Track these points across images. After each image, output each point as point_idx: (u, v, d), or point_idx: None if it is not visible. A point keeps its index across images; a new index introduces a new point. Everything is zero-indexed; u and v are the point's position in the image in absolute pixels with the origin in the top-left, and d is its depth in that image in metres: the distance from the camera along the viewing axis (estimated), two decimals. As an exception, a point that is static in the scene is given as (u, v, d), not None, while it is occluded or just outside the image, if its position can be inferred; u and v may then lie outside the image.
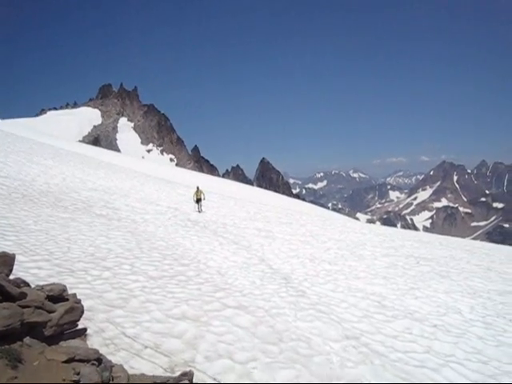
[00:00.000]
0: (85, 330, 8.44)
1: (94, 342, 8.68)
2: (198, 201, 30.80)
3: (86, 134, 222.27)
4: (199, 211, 30.03)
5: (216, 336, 10.08)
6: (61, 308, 7.37)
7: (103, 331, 9.25)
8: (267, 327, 11.10)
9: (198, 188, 31.90)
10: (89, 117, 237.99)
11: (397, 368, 9.94)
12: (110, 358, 7.42)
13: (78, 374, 5.78)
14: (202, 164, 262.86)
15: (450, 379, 9.72)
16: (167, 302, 11.50)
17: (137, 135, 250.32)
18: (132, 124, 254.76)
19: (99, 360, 6.32)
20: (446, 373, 9.99)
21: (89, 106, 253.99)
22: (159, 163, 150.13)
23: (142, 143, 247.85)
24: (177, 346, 9.33)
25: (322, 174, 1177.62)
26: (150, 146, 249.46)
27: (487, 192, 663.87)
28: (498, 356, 11.10)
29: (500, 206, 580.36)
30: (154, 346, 9.12)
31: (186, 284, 13.39)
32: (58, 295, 7.50)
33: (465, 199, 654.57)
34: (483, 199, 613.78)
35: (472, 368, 10.34)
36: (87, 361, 6.17)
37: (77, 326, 7.93)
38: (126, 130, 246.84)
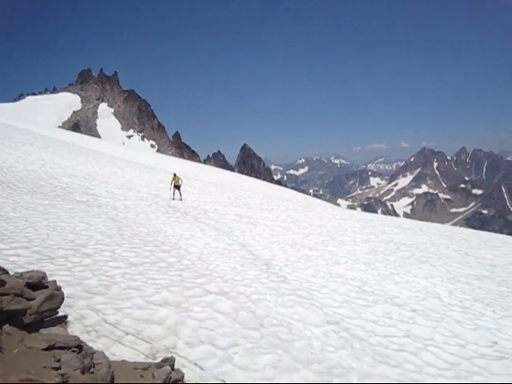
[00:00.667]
0: (65, 317, 8.41)
1: (74, 329, 8.67)
2: (176, 188, 29.26)
3: (66, 119, 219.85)
4: (180, 199, 28.94)
5: (197, 322, 10.12)
6: (40, 295, 7.33)
7: (84, 318, 9.24)
8: (248, 313, 11.16)
9: (174, 175, 29.86)
10: (68, 102, 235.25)
11: (376, 352, 10.07)
12: (91, 344, 7.41)
13: (59, 361, 5.77)
14: (183, 150, 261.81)
15: (429, 362, 9.88)
16: (148, 289, 11.50)
17: (117, 121, 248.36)
18: (112, 110, 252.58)
19: (80, 347, 6.30)
20: (424, 356, 10.15)
21: (68, 91, 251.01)
22: (140, 149, 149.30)
23: (122, 129, 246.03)
24: (158, 332, 9.36)
25: (303, 160, 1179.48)
26: (131, 131, 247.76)
27: (466, 178, 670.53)
28: (476, 339, 11.29)
29: (479, 192, 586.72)
30: (135, 332, 9.14)
31: (167, 270, 13.39)
32: (37, 282, 7.45)
33: (444, 186, 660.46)
34: (462, 186, 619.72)
35: (450, 351, 10.50)
36: (68, 348, 6.15)
37: (57, 313, 7.90)
38: (106, 116, 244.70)
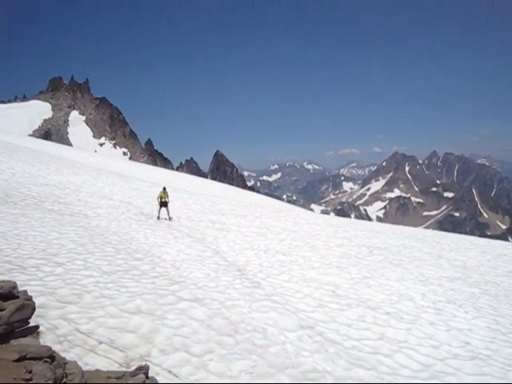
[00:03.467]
0: (37, 327, 8.34)
1: (46, 339, 8.60)
2: (163, 205, 25.12)
3: (37, 127, 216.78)
4: (168, 218, 25.03)
5: (171, 329, 10.12)
6: (11, 306, 7.26)
7: (56, 328, 9.17)
8: (223, 319, 11.18)
9: (164, 189, 25.82)
10: (39, 110, 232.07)
11: (351, 355, 10.17)
12: (63, 354, 7.37)
13: (31, 372, 5.73)
14: (155, 157, 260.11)
15: (403, 364, 10.03)
16: (121, 297, 11.45)
17: (89, 129, 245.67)
18: (84, 117, 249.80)
19: (52, 357, 6.26)
20: (398, 358, 10.30)
21: (39, 99, 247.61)
22: (112, 157, 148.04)
23: (94, 137, 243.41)
24: (132, 340, 9.33)
25: (276, 166, 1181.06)
26: (103, 139, 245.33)
27: (438, 182, 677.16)
28: (449, 340, 11.49)
29: (450, 195, 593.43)
30: (108, 341, 9.10)
31: (140, 278, 13.34)
32: (7, 293, 7.37)
33: (416, 189, 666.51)
34: (434, 189, 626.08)
35: (424, 353, 10.67)
36: (39, 358, 6.11)
37: (28, 323, 7.83)
38: (77, 124, 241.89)
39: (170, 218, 25.21)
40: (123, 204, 27.54)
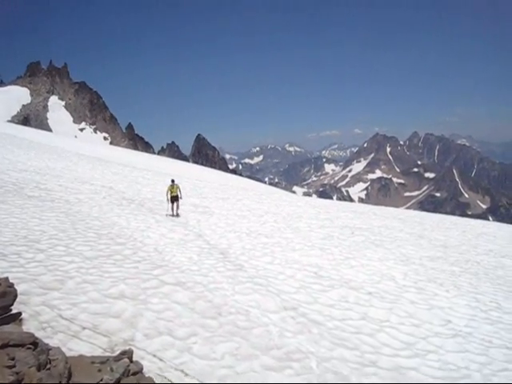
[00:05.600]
0: (19, 314, 8.32)
1: (29, 326, 8.57)
2: (174, 200, 22.97)
3: (15, 113, 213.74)
4: (175, 215, 22.98)
5: (155, 313, 10.14)
6: (-8, 293, 7.22)
7: (39, 314, 9.13)
8: (206, 302, 11.23)
9: (173, 182, 23.43)
10: (17, 96, 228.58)
11: (334, 335, 10.28)
12: (46, 341, 7.36)
13: (13, 359, 5.72)
14: (136, 142, 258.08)
15: (385, 343, 10.17)
16: (104, 282, 11.44)
17: (68, 114, 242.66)
18: (63, 102, 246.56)
19: (35, 344, 6.25)
20: (380, 337, 10.45)
21: (16, 84, 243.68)
22: (92, 142, 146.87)
23: (74, 122, 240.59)
24: (115, 325, 9.34)
25: (258, 148, 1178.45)
26: (83, 124, 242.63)
27: (419, 163, 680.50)
28: (430, 319, 11.67)
29: (431, 175, 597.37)
30: (92, 326, 9.09)
31: (122, 263, 13.32)
32: (-12, 280, 7.33)
33: (398, 170, 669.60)
34: (415, 170, 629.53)
35: (406, 331, 10.83)
36: (22, 345, 6.10)
37: (10, 310, 7.81)
38: (57, 109, 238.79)
39: (177, 214, 22.99)
40: (104, 189, 27.37)
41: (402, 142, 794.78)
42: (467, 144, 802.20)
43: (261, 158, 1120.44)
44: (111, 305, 10.19)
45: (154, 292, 11.38)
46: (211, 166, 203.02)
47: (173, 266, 13.85)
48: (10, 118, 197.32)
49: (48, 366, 6.05)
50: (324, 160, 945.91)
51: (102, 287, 11.09)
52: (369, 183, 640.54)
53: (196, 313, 10.55)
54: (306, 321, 10.92)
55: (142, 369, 7.15)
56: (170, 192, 23.01)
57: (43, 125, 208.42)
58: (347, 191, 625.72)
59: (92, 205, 21.79)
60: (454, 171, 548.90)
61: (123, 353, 7.35)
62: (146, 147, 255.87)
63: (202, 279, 12.91)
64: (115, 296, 10.72)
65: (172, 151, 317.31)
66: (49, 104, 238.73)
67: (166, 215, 22.53)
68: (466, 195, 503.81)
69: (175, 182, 23.51)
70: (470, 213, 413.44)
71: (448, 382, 8.98)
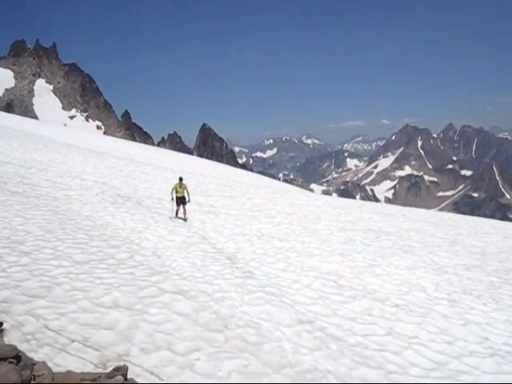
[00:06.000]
0: (0, 324, 8.35)
1: (12, 337, 8.60)
2: (180, 202, 22.05)
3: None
4: (183, 218, 22.13)
5: (153, 325, 10.15)
6: (-30, 300, 7.27)
7: (23, 325, 9.17)
8: (211, 313, 11.23)
9: (181, 180, 22.28)
10: None
11: (355, 353, 10.25)
12: (31, 355, 7.40)
13: (-7, 374, 5.74)
14: (133, 131, 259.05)
15: (413, 362, 10.11)
16: (96, 290, 11.46)
17: (57, 99, 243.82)
18: (51, 86, 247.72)
19: (18, 357, 6.28)
20: (408, 356, 10.40)
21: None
22: (84, 131, 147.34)
23: (63, 108, 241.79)
24: (108, 338, 9.35)
25: (271, 140, 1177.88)
26: (73, 111, 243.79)
27: (454, 158, 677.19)
28: (464, 335, 11.59)
29: (468, 173, 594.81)
30: (82, 339, 9.11)
31: (116, 268, 13.35)
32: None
33: (430, 166, 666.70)
34: (450, 166, 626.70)
35: (436, 349, 10.76)
36: (4, 359, 6.12)
37: (-10, 320, 7.83)
38: (44, 94, 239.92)
39: (184, 217, 22.12)
40: (97, 184, 27.46)
41: (435, 135, 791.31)
42: (509, 138, 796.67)
43: (274, 151, 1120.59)
44: (103, 315, 10.21)
45: (151, 301, 11.39)
46: (218, 160, 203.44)
47: (173, 272, 13.88)
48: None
49: (32, 382, 6.08)
50: (346, 154, 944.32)
51: (93, 295, 11.12)
52: (397, 181, 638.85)
53: (199, 325, 10.55)
54: (324, 336, 10.91)
55: (137, 387, 7.16)
56: (175, 191, 21.94)
57: (28, 111, 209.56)
58: (372, 190, 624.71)
59: (83, 202, 21.86)
60: (494, 168, 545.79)
61: (117, 369, 7.36)
62: (145, 138, 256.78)
63: (206, 287, 12.93)
64: (108, 305, 10.74)
65: (174, 143, 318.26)
66: (35, 88, 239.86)
67: (170, 218, 21.98)
68: (508, 196, 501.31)
69: (183, 181, 22.23)
70: (511, 216, 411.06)
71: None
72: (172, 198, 22.07)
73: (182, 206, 22.08)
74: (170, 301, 11.58)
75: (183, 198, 21.89)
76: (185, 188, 21.98)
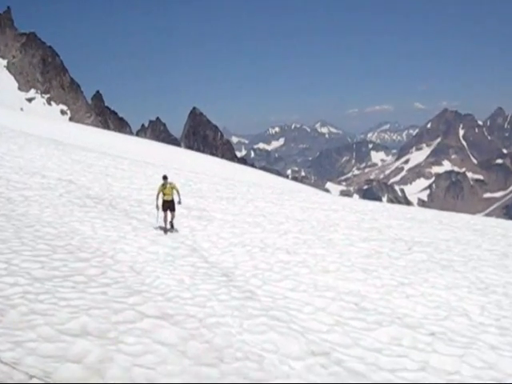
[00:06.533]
0: None
1: (-45, 371, 8.62)
2: (167, 207, 21.02)
3: None
4: (168, 228, 21.30)
5: (130, 357, 10.11)
6: None
7: (-31, 356, 9.18)
8: (202, 343, 11.21)
9: (165, 179, 21.22)
10: None
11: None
12: (-22, 394, 7.40)
13: None
14: (106, 117, 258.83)
15: (453, 404, 10.08)
16: (60, 313, 11.45)
17: (12, 77, 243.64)
18: (4, 61, 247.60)
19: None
20: (447, 396, 10.36)
21: None
22: (46, 117, 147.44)
23: (19, 89, 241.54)
24: (76, 373, 9.33)
25: (277, 129, 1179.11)
26: (32, 92, 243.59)
27: (505, 151, 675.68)
28: (518, 371, 11.55)
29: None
30: (42, 374, 9.10)
31: (85, 287, 13.36)
32: None
33: (475, 161, 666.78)
34: (500, 161, 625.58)
35: (482, 389, 10.73)
36: None
37: None
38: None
39: (171, 227, 21.44)
40: (61, 183, 27.51)
41: (480, 123, 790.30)
42: None
43: (281, 142, 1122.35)
44: (69, 345, 10.20)
45: (128, 328, 11.37)
46: (211, 153, 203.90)
47: (156, 291, 13.89)
48: None
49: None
50: (370, 146, 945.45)
51: (56, 320, 11.11)
52: (433, 179, 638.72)
53: (188, 358, 10.54)
54: (343, 371, 10.89)
55: None
56: (163, 195, 20.83)
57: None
58: (402, 190, 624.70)
59: (44, 205, 21.90)
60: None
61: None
62: (121, 125, 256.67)
63: (196, 311, 12.93)
64: (75, 332, 10.73)
65: (156, 131, 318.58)
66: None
67: (161, 228, 21.12)
68: None
69: (168, 180, 21.22)
70: None
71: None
72: (157, 206, 20.84)
73: (170, 212, 21.10)
74: (151, 327, 11.57)
75: (171, 201, 20.88)
76: (173, 188, 21.02)
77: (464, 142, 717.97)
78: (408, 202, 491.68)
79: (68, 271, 14.26)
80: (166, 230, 20.90)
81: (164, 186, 20.83)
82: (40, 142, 44.39)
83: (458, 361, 11.78)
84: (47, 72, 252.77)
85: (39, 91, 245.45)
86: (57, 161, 34.96)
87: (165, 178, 21.24)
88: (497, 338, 13.14)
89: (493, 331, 13.57)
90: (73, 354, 9.86)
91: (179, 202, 21.26)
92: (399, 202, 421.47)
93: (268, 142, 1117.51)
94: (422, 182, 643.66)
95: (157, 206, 20.78)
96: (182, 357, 10.51)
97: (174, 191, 20.99)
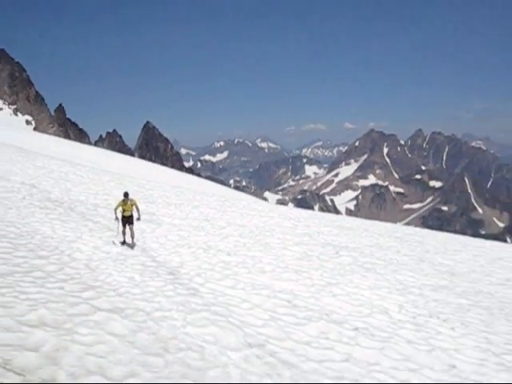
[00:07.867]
0: None
1: None
2: (126, 222, 19.50)
3: None
4: (130, 243, 19.70)
5: (84, 347, 10.00)
6: None
7: None
8: (149, 334, 11.15)
9: (126, 196, 19.53)
10: None
11: (310, 380, 10.29)
12: None
13: None
14: (67, 128, 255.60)
15: (373, 392, 10.20)
16: (20, 306, 11.26)
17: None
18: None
19: None
20: (368, 384, 10.47)
21: None
22: (11, 126, 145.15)
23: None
24: (33, 360, 9.18)
25: (221, 143, 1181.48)
26: (0, 103, 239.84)
27: (423, 168, 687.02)
28: (430, 362, 11.72)
29: (438, 184, 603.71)
30: (1, 361, 8.95)
31: (44, 282, 13.17)
32: None
33: (397, 176, 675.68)
34: (418, 177, 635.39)
35: (400, 378, 10.86)
36: None
37: None
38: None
39: (132, 242, 19.71)
40: (24, 187, 27.11)
41: (402, 142, 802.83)
42: (483, 147, 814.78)
43: (225, 154, 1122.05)
44: (28, 335, 10.04)
45: (83, 320, 11.24)
46: (162, 163, 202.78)
47: (108, 287, 13.77)
48: None
49: None
50: (305, 160, 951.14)
51: (16, 312, 10.92)
52: (360, 191, 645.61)
53: (136, 348, 10.46)
54: (276, 361, 10.92)
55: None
56: (121, 210, 19.39)
57: None
58: (332, 200, 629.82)
59: (7, 207, 21.57)
60: (466, 180, 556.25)
61: (41, 396, 7.28)
62: (81, 135, 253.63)
63: (144, 305, 12.85)
64: (33, 324, 10.57)
65: (113, 142, 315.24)
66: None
67: (121, 243, 19.60)
68: (480, 210, 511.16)
69: (129, 197, 19.60)
70: (483, 232, 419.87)
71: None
72: (116, 218, 19.52)
73: (129, 227, 19.47)
74: (103, 320, 11.45)
75: (131, 217, 19.47)
76: (133, 204, 19.51)
77: (387, 159, 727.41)
78: (337, 211, 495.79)
79: (28, 267, 14.04)
80: (124, 243, 19.59)
81: (125, 202, 19.29)
82: (5, 149, 43.68)
83: (378, 353, 11.92)
84: (14, 85, 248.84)
85: (6, 103, 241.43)
86: (21, 166, 34.43)
87: (126, 195, 19.51)
88: (413, 334, 13.34)
89: (409, 327, 13.78)
90: (31, 343, 9.70)
91: (138, 219, 19.75)
92: (329, 211, 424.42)
93: (213, 154, 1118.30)
94: (350, 194, 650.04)
95: (116, 218, 19.47)
96: (131, 347, 10.43)
97: (134, 208, 19.55)
